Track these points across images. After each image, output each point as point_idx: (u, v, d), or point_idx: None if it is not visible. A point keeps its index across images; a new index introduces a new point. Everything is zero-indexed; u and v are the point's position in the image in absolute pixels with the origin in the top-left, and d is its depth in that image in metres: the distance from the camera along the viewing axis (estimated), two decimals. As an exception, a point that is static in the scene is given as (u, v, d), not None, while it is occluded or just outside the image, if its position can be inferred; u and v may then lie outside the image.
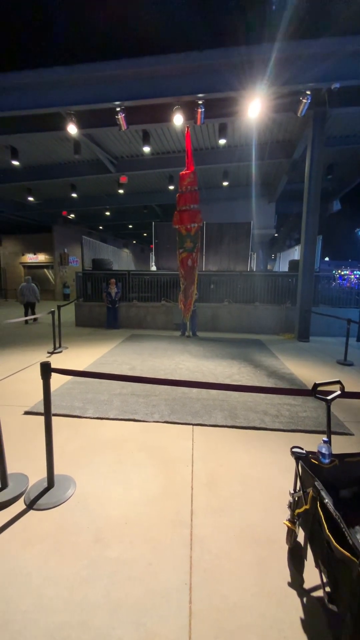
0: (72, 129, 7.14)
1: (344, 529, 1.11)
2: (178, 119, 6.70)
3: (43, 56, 6.06)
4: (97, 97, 6.44)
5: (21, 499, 2.11)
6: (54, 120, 7.52)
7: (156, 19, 5.71)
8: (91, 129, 8.03)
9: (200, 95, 6.22)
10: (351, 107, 6.91)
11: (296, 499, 1.61)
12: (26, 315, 9.68)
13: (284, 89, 6.06)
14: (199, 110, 6.45)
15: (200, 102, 6.36)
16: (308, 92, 6.11)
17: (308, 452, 1.58)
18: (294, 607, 1.42)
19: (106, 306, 9.06)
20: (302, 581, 1.55)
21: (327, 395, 1.74)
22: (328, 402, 1.72)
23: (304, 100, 6.19)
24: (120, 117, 6.67)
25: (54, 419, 2.26)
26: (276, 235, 19.82)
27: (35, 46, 6.06)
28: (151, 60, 5.87)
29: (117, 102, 6.45)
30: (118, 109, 6.58)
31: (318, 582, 1.50)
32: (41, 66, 6.10)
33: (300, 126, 8.46)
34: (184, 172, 6.99)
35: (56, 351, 6.09)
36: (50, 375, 2.12)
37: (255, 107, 6.34)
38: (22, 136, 8.50)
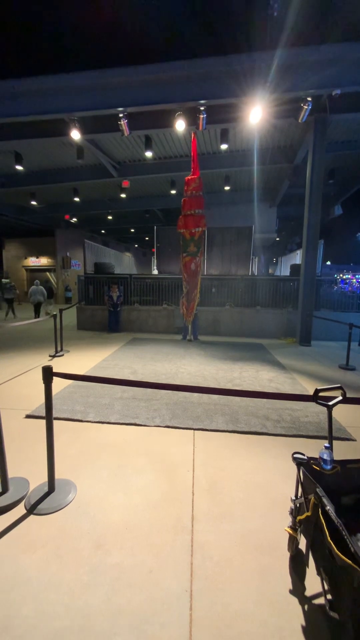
0: (75, 135, 7.22)
1: (345, 537, 1.11)
2: (180, 125, 6.77)
3: (46, 63, 6.15)
4: (100, 104, 6.52)
5: (22, 504, 2.11)
6: (57, 126, 7.61)
7: (158, 26, 5.80)
8: (94, 135, 8.12)
9: (202, 101, 6.29)
10: (352, 113, 6.96)
11: (297, 505, 1.60)
12: (35, 312, 11.72)
13: (285, 96, 6.12)
14: (201, 116, 6.52)
15: (202, 108, 6.43)
16: (309, 99, 6.16)
17: (310, 458, 1.57)
18: (296, 615, 1.42)
19: (108, 309, 9.10)
20: (304, 589, 1.54)
21: (329, 401, 1.74)
22: (329, 408, 1.71)
23: (305, 107, 6.24)
24: (123, 122, 6.74)
25: (55, 422, 2.27)
26: (277, 239, 19.85)
27: (39, 53, 6.15)
28: (154, 67, 5.96)
29: (120, 108, 6.53)
30: (121, 115, 6.66)
31: (319, 589, 1.49)
32: (44, 73, 6.19)
33: (302, 132, 8.52)
34: (189, 177, 7.06)
35: (58, 354, 6.11)
36: (52, 379, 2.13)
37: (256, 113, 6.40)
38: (26, 142, 8.59)
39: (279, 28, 5.38)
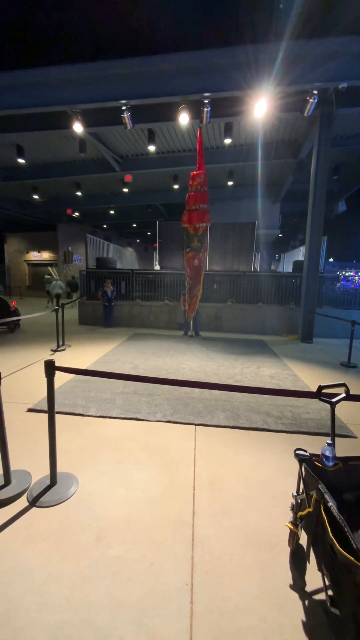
0: (77, 128, 7.15)
1: (348, 533, 1.10)
2: (184, 118, 6.69)
3: (49, 55, 6.07)
4: (103, 96, 6.44)
5: (24, 496, 2.12)
6: (59, 119, 7.54)
7: (163, 17, 5.70)
8: (97, 128, 8.04)
9: (206, 94, 6.20)
10: (358, 107, 6.85)
11: (299, 501, 1.60)
12: (56, 302, 12.40)
13: (290, 89, 6.02)
14: (205, 109, 6.43)
15: (206, 101, 6.34)
16: (315, 92, 6.07)
17: (312, 455, 1.57)
18: (296, 610, 1.42)
19: (103, 304, 9.10)
20: (304, 584, 1.54)
21: (332, 398, 1.72)
22: (333, 405, 1.70)
23: (311, 100, 6.15)
24: (126, 115, 6.67)
25: (56, 416, 2.27)
26: (280, 235, 19.72)
27: (42, 44, 6.07)
28: (157, 59, 5.86)
29: (123, 101, 6.45)
30: (124, 108, 6.58)
31: (320, 585, 1.50)
32: (47, 65, 6.11)
33: (307, 126, 8.41)
34: (195, 173, 7.01)
35: (59, 349, 6.11)
36: (54, 373, 2.13)
37: (261, 107, 6.31)
38: (28, 134, 8.52)
39: (284, 19, 5.29)
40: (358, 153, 10.33)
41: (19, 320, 8.12)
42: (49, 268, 20.12)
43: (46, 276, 14.75)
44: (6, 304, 7.97)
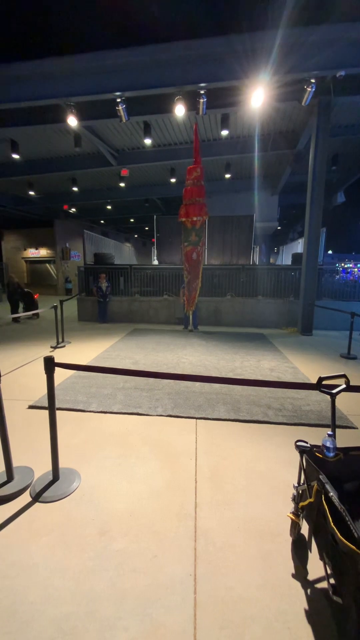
0: (72, 121, 7.04)
1: (349, 522, 1.11)
2: (180, 110, 6.58)
3: (42, 46, 5.95)
4: (97, 88, 6.33)
5: (27, 492, 2.13)
6: (53, 112, 7.42)
7: (157, 6, 5.57)
8: (91, 121, 7.92)
9: (202, 84, 6.10)
10: (357, 96, 6.75)
11: (300, 492, 1.61)
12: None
13: (287, 77, 5.92)
14: (201, 100, 6.33)
15: (202, 91, 6.24)
16: (312, 80, 5.96)
17: (312, 446, 1.57)
18: (298, 599, 1.44)
19: (98, 300, 9.09)
20: (306, 573, 1.56)
21: (332, 389, 1.72)
22: (333, 396, 1.70)
23: (309, 89, 6.04)
24: (121, 108, 6.57)
25: (57, 412, 2.28)
26: (279, 228, 19.59)
27: (34, 36, 5.94)
28: (152, 49, 5.75)
29: (117, 93, 6.34)
30: (118, 100, 6.47)
31: (322, 573, 1.51)
32: (40, 57, 5.99)
33: (305, 115, 8.29)
34: (191, 167, 6.97)
35: (59, 346, 6.11)
36: (54, 369, 2.13)
37: (258, 96, 6.21)
38: (22, 129, 8.38)
39: (281, 6, 5.17)
40: (357, 142, 10.21)
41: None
42: (47, 265, 20.08)
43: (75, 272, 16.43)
44: (32, 296, 9.65)
